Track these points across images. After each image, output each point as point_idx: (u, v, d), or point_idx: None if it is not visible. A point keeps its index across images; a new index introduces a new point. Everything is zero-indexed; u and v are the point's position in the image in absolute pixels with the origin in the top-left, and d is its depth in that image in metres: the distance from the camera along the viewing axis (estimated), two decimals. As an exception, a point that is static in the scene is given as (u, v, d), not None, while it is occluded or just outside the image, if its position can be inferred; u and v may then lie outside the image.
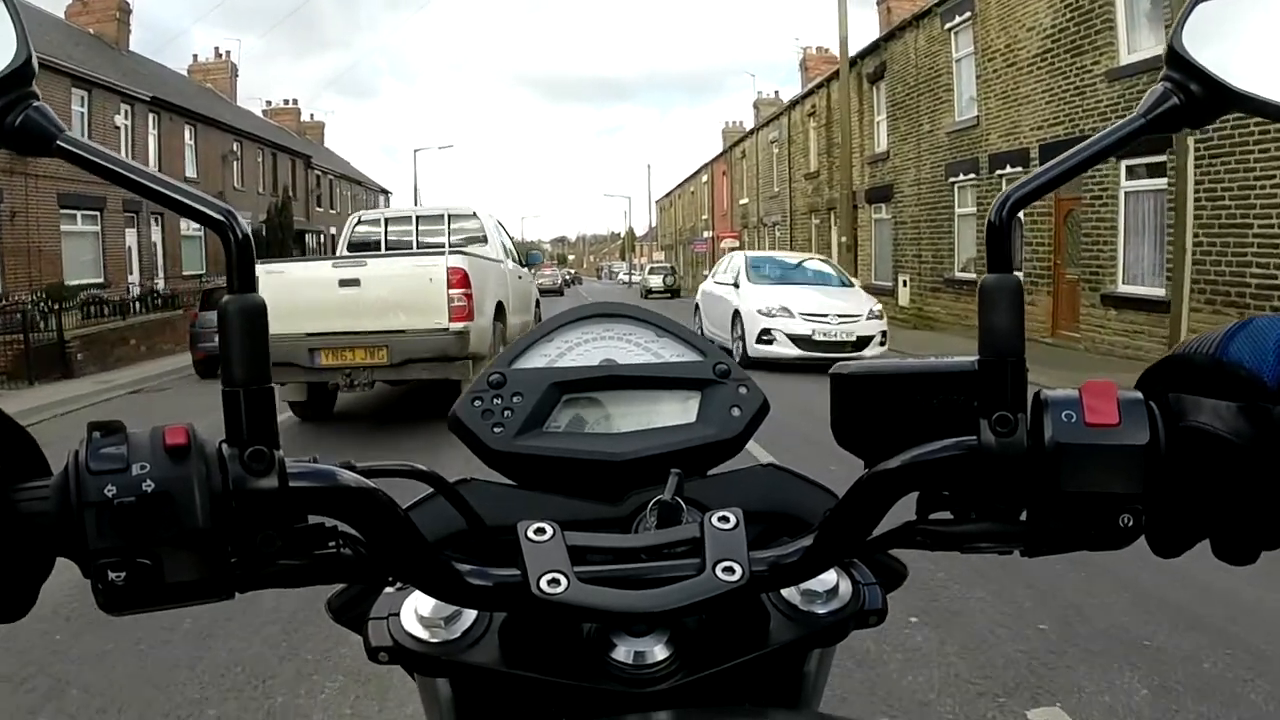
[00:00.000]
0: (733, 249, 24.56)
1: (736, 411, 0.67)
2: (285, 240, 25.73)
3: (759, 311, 11.63)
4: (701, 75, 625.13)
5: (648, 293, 40.36)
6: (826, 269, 13.83)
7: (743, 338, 11.84)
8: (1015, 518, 0.47)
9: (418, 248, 9.72)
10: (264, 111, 37.99)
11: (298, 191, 31.89)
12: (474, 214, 10.50)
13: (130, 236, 21.40)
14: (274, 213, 26.06)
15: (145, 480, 0.41)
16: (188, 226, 22.67)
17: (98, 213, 19.71)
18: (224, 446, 0.43)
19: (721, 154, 42.94)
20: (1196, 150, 9.93)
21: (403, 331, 7.36)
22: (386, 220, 10.82)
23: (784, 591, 0.56)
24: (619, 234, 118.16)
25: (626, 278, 67.50)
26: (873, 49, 21.04)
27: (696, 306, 14.96)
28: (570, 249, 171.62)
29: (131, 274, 21.16)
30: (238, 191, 26.55)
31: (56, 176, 17.38)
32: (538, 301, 11.80)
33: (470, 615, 0.54)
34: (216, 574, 0.42)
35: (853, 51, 19.70)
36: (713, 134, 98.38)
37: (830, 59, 31.52)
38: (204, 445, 0.43)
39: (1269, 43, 0.46)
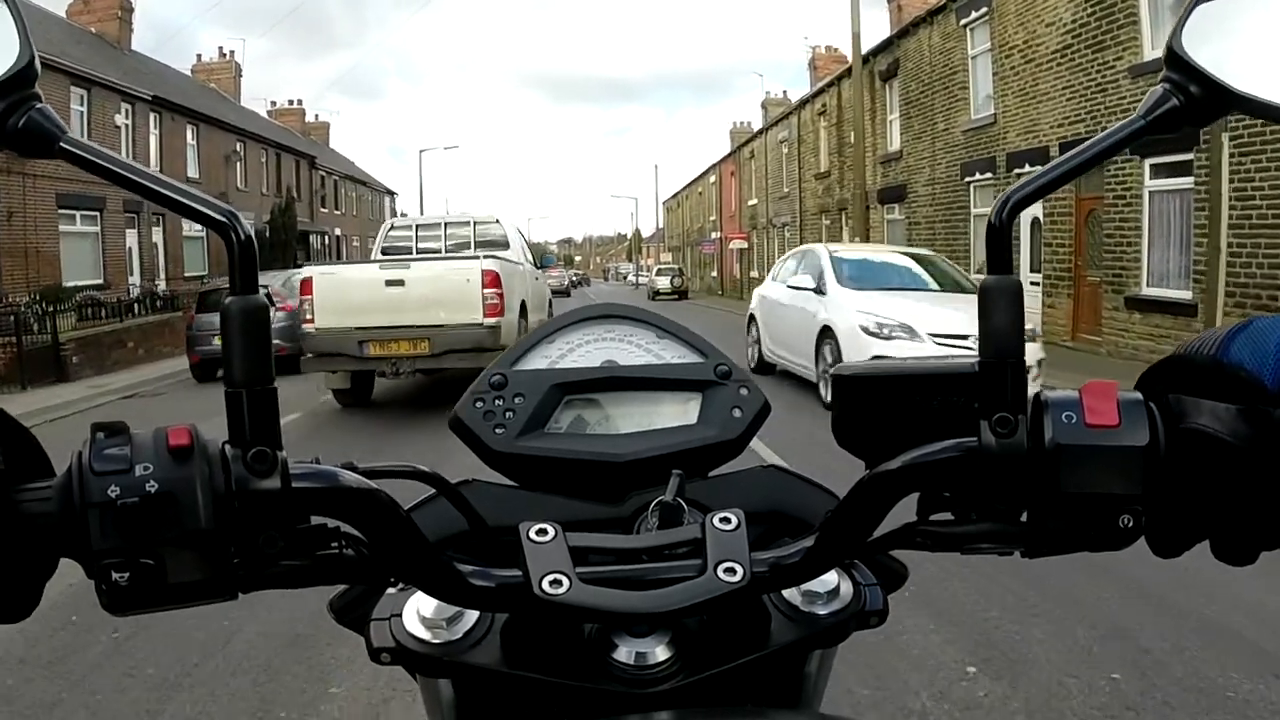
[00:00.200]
0: (741, 249, 24.06)
1: (738, 413, 0.67)
2: (289, 241, 25.60)
3: (865, 330, 8.11)
4: (709, 75, 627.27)
5: (655, 294, 40.21)
6: (941, 269, 9.94)
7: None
8: (1015, 518, 0.47)
9: (446, 252, 10.69)
10: (269, 112, 37.98)
11: (302, 192, 31.71)
12: (497, 220, 11.51)
13: (131, 237, 21.13)
14: (277, 214, 25.95)
15: (148, 481, 0.41)
16: (189, 227, 22.43)
17: (97, 213, 19.44)
18: (227, 447, 0.43)
19: (729, 154, 42.52)
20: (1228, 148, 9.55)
21: (442, 326, 8.18)
22: (417, 226, 11.88)
23: (785, 592, 0.56)
24: (626, 235, 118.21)
25: (634, 279, 67.41)
26: (885, 46, 20.72)
27: (751, 318, 11.45)
28: (577, 250, 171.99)
29: (132, 275, 20.89)
30: (241, 192, 26.35)
31: (55, 176, 17.15)
32: (550, 301, 12.60)
33: (472, 616, 0.54)
34: (219, 574, 0.43)
35: (865, 48, 19.33)
36: (720, 134, 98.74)
37: (839, 58, 31.26)
38: (207, 446, 0.43)
39: (1269, 44, 0.45)
